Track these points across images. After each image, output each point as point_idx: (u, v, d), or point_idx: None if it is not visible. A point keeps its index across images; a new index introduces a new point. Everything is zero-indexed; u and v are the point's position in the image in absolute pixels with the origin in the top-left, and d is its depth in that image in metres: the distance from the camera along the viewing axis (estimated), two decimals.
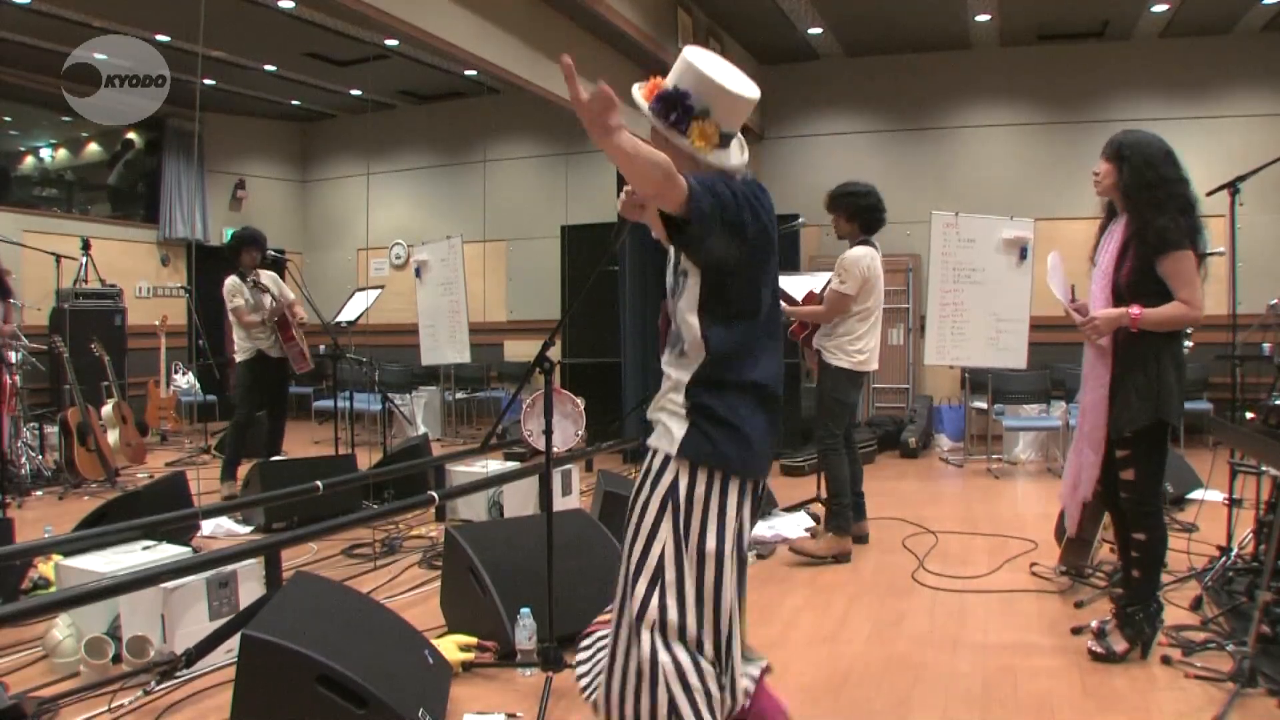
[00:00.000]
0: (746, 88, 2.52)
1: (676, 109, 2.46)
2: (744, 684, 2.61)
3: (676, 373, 2.51)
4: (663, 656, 2.40)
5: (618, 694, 2.44)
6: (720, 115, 2.47)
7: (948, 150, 10.45)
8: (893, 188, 5.60)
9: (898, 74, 10.57)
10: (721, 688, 2.48)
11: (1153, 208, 3.51)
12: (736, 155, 2.54)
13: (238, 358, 7.08)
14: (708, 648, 2.46)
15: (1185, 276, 3.47)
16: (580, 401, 6.29)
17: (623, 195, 2.66)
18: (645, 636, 2.41)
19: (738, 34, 9.78)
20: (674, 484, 2.46)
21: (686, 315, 2.48)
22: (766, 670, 2.74)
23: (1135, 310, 3.53)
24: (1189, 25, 9.42)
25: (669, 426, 2.49)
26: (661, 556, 2.44)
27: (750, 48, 10.27)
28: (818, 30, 9.77)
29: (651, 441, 2.54)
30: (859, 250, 5.40)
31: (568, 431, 6.19)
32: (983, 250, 7.81)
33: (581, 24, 7.42)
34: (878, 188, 5.56)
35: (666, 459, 2.47)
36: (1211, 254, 3.77)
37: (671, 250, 2.59)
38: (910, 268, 10.06)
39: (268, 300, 6.92)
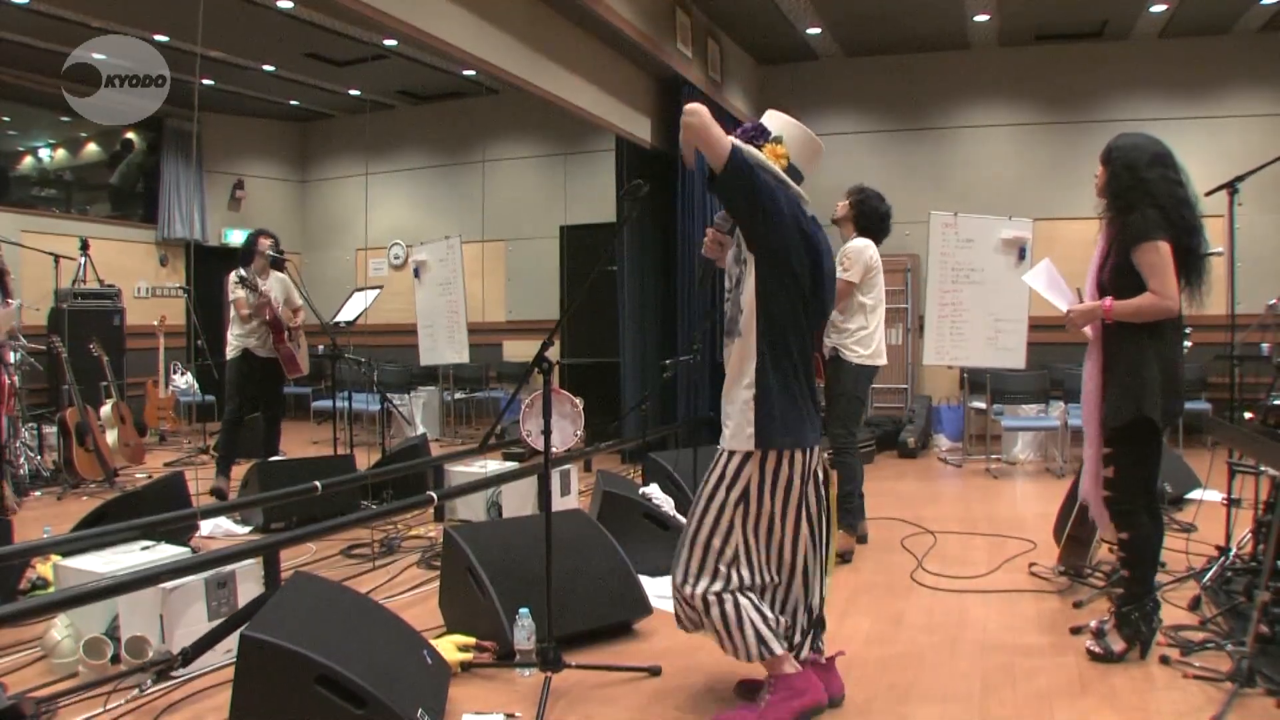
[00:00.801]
0: (814, 137, 3.12)
1: (753, 131, 3.09)
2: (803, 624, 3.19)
3: (738, 359, 2.99)
4: (742, 599, 3.01)
5: (717, 636, 3.06)
6: (790, 146, 3.06)
7: (946, 150, 10.46)
8: (892, 188, 5.60)
9: (896, 74, 10.59)
10: (781, 620, 3.12)
11: (1125, 207, 3.61)
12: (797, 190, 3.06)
13: (227, 355, 7.11)
14: (770, 596, 3.11)
15: (1155, 267, 3.51)
16: (579, 401, 6.30)
17: (706, 238, 3.16)
18: (729, 598, 3.00)
19: (736, 34, 9.79)
20: (747, 485, 2.98)
21: (745, 299, 2.96)
22: (838, 653, 3.38)
23: (1107, 302, 3.62)
24: (1188, 25, 9.43)
25: (740, 424, 2.97)
26: (736, 546, 3.00)
27: (749, 48, 10.28)
28: (816, 30, 9.78)
29: (725, 443, 3.03)
30: (860, 241, 5.47)
31: (566, 431, 6.19)
32: (981, 250, 7.80)
33: (580, 24, 7.42)
34: (878, 189, 5.61)
35: (745, 457, 2.97)
36: (1210, 254, 3.80)
37: (733, 247, 3.09)
38: (909, 268, 10.06)
39: (262, 300, 6.95)
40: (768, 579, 3.06)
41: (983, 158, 10.34)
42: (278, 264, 7.17)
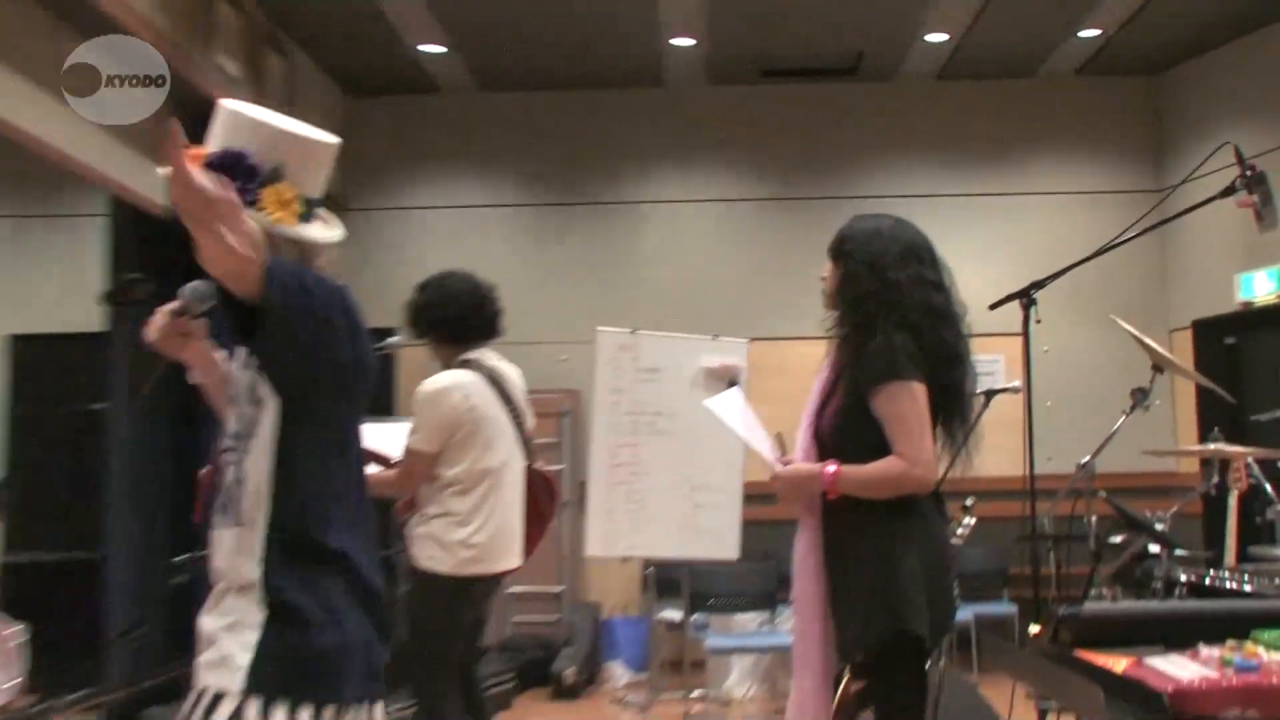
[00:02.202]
0: (319, 132, 2.88)
1: (239, 176, 2.69)
2: None
3: (233, 556, 2.68)
4: None
5: None
6: (296, 174, 2.79)
7: (623, 235, 10.68)
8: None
9: (554, 119, 10.78)
10: None
11: (864, 324, 3.76)
12: (322, 232, 2.87)
13: None
14: None
15: (905, 419, 3.65)
16: (18, 629, 5.95)
17: (158, 319, 2.91)
18: None
19: (315, 48, 9.70)
20: None
21: (253, 460, 2.70)
22: None
23: (830, 468, 3.71)
24: (976, 64, 10.10)
25: (224, 648, 2.60)
26: None
27: (334, 69, 10.25)
28: (437, 49, 9.86)
29: (199, 677, 2.63)
30: (443, 379, 5.41)
31: None
32: (673, 385, 7.85)
33: (75, 25, 7.12)
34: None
35: (217, 699, 2.57)
36: (1000, 391, 4.16)
37: (237, 365, 2.85)
38: (565, 410, 10.03)
39: None
40: None
41: (678, 248, 10.61)
42: None
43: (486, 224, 10.67)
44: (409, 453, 5.29)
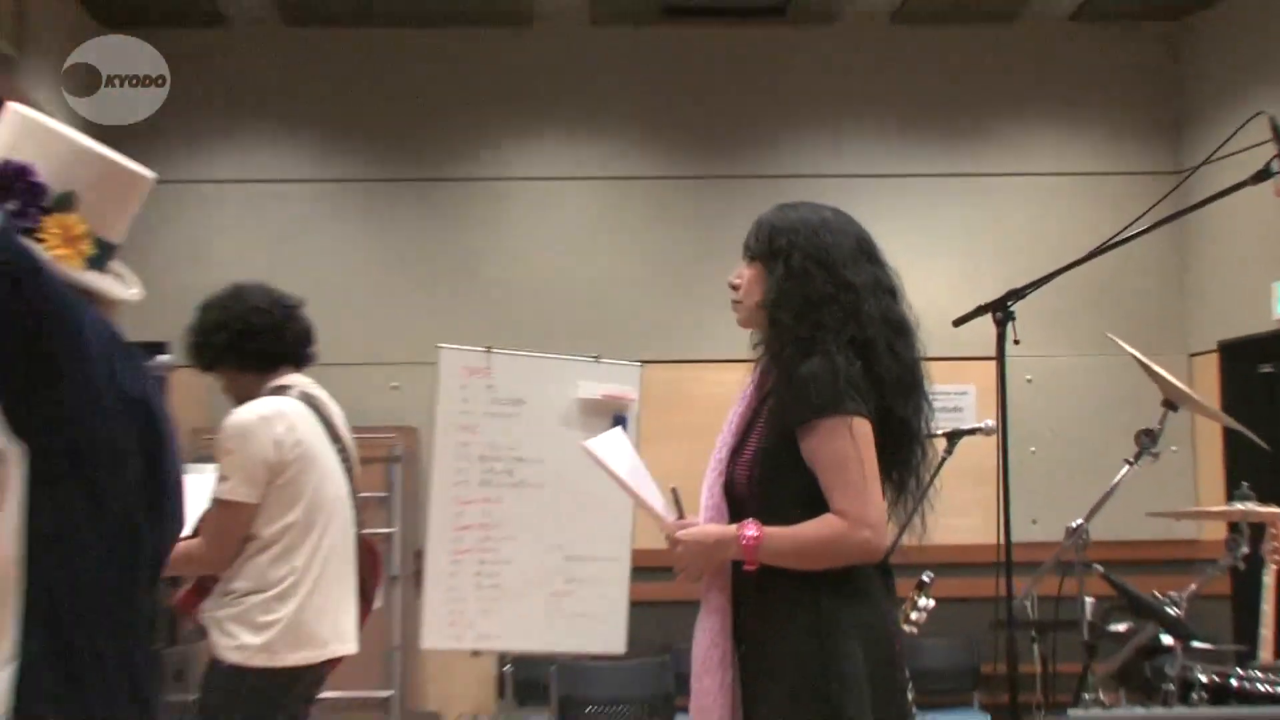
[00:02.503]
0: (133, 163, 2.97)
1: (15, 195, 2.76)
2: None
3: None
4: None
5: None
6: (93, 207, 2.87)
7: (476, 223, 10.56)
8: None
9: (385, 66, 10.63)
10: None
11: (812, 341, 3.66)
12: (115, 287, 2.97)
13: None
14: None
15: (843, 465, 3.59)
16: None
17: None
18: None
19: None
20: None
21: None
22: None
23: (750, 530, 3.62)
24: (942, 4, 10.06)
25: None
26: None
27: None
28: None
29: None
30: (260, 408, 5.26)
31: None
32: (541, 420, 7.68)
33: None
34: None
35: None
36: (969, 432, 4.23)
37: None
38: (397, 454, 9.83)
39: None
40: None
41: (549, 240, 10.52)
42: None
43: (291, 204, 10.43)
44: (222, 507, 5.12)
